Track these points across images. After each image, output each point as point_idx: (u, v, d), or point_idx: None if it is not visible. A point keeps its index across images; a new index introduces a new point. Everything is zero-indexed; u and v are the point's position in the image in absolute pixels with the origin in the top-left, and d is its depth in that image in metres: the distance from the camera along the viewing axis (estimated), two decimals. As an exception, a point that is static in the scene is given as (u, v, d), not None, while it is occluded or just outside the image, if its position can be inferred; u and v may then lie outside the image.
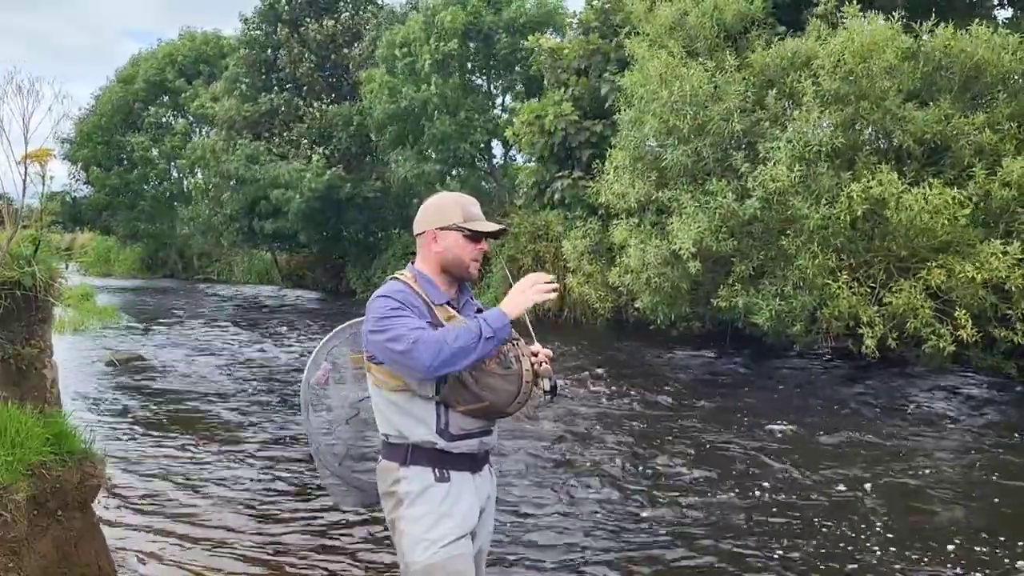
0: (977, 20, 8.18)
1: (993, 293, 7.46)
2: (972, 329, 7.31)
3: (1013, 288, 7.25)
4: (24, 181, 3.41)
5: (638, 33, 10.24)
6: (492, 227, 2.45)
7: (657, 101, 9.04)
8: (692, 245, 8.28)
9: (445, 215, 2.42)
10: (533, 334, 2.38)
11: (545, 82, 14.43)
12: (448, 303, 2.41)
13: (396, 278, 2.44)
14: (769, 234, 8.53)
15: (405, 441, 2.35)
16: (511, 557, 4.45)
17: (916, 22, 8.48)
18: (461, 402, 2.30)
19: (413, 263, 2.49)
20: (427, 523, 2.30)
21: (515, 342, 2.36)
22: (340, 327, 2.69)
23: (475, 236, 2.42)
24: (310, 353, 2.77)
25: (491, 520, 2.55)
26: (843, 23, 8.40)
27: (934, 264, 7.62)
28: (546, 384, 2.32)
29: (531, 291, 2.31)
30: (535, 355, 2.34)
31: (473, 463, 2.41)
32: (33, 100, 3.28)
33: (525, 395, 2.33)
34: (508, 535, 4.72)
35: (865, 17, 8.29)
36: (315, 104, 22.35)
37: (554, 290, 2.30)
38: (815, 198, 7.89)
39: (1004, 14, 10.76)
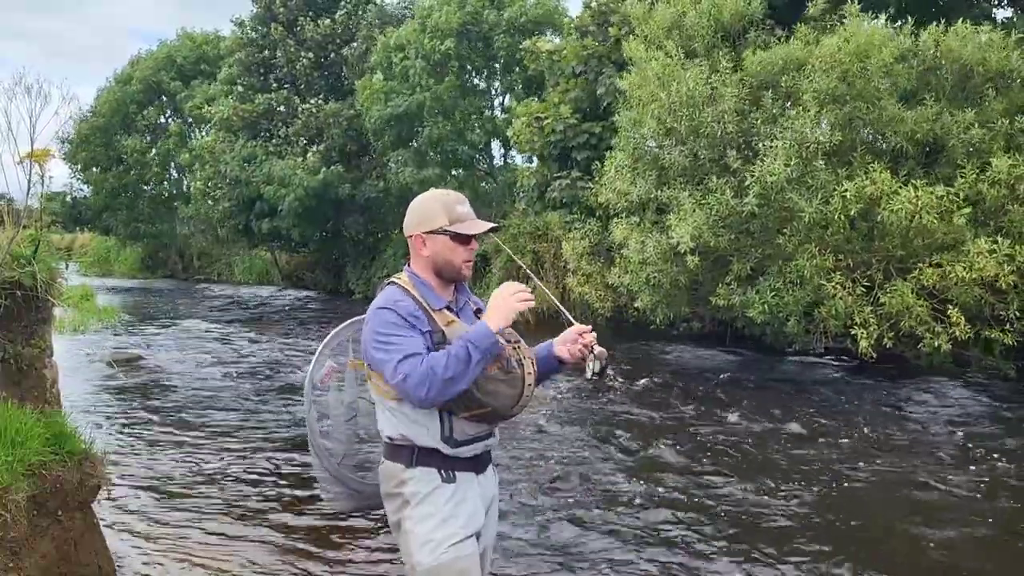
0: (969, 20, 8.19)
1: (988, 291, 7.46)
2: (966, 327, 7.32)
3: (1005, 286, 7.25)
4: (29, 181, 3.42)
5: (635, 35, 10.25)
6: (481, 228, 2.38)
7: (655, 103, 9.06)
8: (691, 239, 8.32)
9: (431, 219, 2.36)
10: (571, 318, 2.53)
11: (547, 82, 14.48)
12: (447, 307, 2.38)
13: (394, 283, 2.39)
14: (767, 232, 8.55)
15: (410, 443, 2.34)
16: (509, 558, 4.46)
17: (907, 21, 8.49)
18: (464, 408, 2.29)
19: (408, 265, 2.44)
20: (433, 523, 2.30)
21: (516, 345, 2.35)
22: (342, 325, 2.66)
23: (464, 238, 2.37)
24: (311, 352, 2.77)
25: (495, 520, 2.55)
26: (841, 24, 8.42)
27: (927, 264, 7.63)
28: (596, 365, 2.39)
29: (512, 300, 2.27)
30: (582, 336, 2.42)
31: (477, 464, 2.41)
32: (41, 101, 3.29)
33: (527, 398, 2.33)
34: (506, 537, 4.73)
35: (863, 18, 8.31)
36: (311, 101, 22.33)
37: (530, 298, 2.31)
38: (812, 193, 7.91)
39: (1003, 14, 10.78)
